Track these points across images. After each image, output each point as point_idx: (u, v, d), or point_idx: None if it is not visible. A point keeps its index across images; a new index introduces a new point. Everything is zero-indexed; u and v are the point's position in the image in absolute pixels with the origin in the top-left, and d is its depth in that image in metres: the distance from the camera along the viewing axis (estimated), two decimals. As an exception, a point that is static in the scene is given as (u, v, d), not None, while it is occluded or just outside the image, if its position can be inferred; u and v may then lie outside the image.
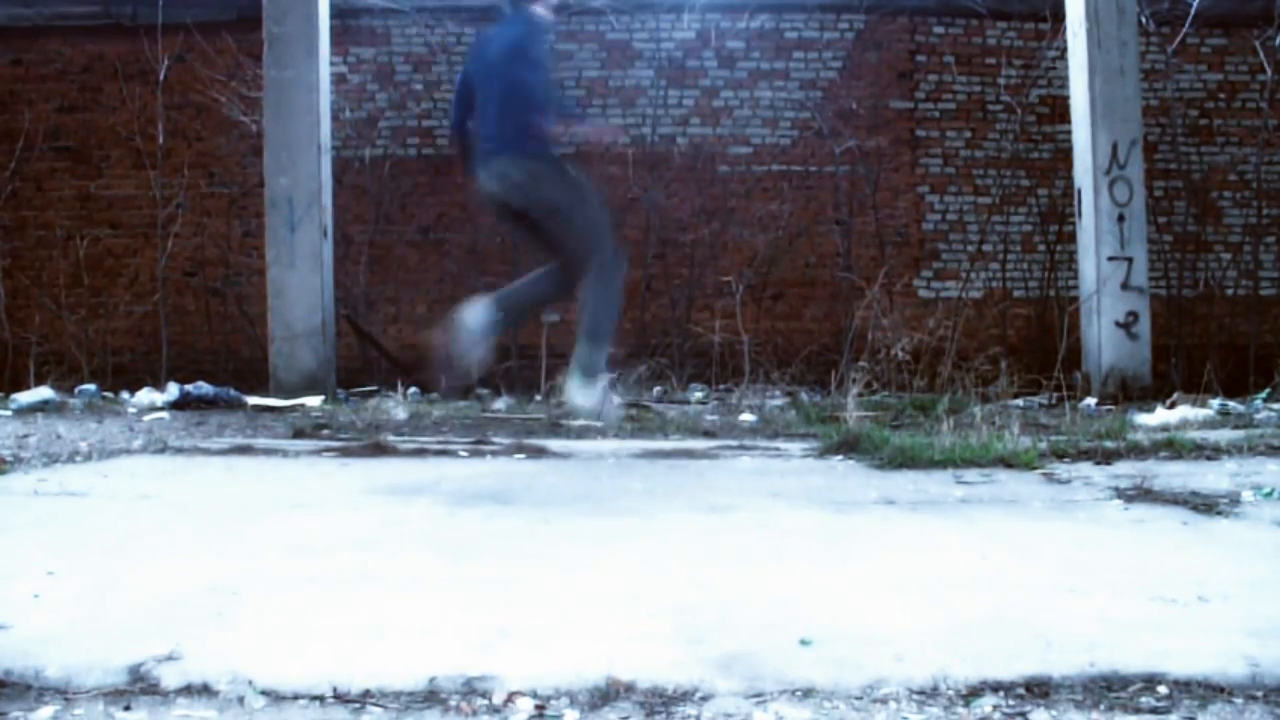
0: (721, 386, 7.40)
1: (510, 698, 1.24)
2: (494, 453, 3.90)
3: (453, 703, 1.23)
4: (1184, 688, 1.26)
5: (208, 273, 9.15)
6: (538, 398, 6.73)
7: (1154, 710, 1.21)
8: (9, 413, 5.81)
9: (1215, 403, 5.97)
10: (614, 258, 4.19)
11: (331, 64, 7.83)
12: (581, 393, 4.13)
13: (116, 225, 9.25)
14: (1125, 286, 7.17)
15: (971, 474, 3.23)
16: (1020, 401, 6.41)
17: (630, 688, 1.26)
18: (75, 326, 8.73)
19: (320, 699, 1.24)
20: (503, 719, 1.20)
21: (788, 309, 9.29)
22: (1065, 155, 8.11)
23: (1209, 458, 3.59)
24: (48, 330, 8.80)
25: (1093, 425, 4.46)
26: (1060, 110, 8.56)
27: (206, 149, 9.19)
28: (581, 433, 4.84)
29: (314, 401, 6.58)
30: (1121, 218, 7.19)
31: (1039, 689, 1.26)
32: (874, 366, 6.26)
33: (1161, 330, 8.01)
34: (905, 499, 2.77)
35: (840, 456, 3.76)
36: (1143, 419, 5.16)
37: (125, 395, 7.02)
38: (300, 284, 7.19)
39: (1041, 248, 9.26)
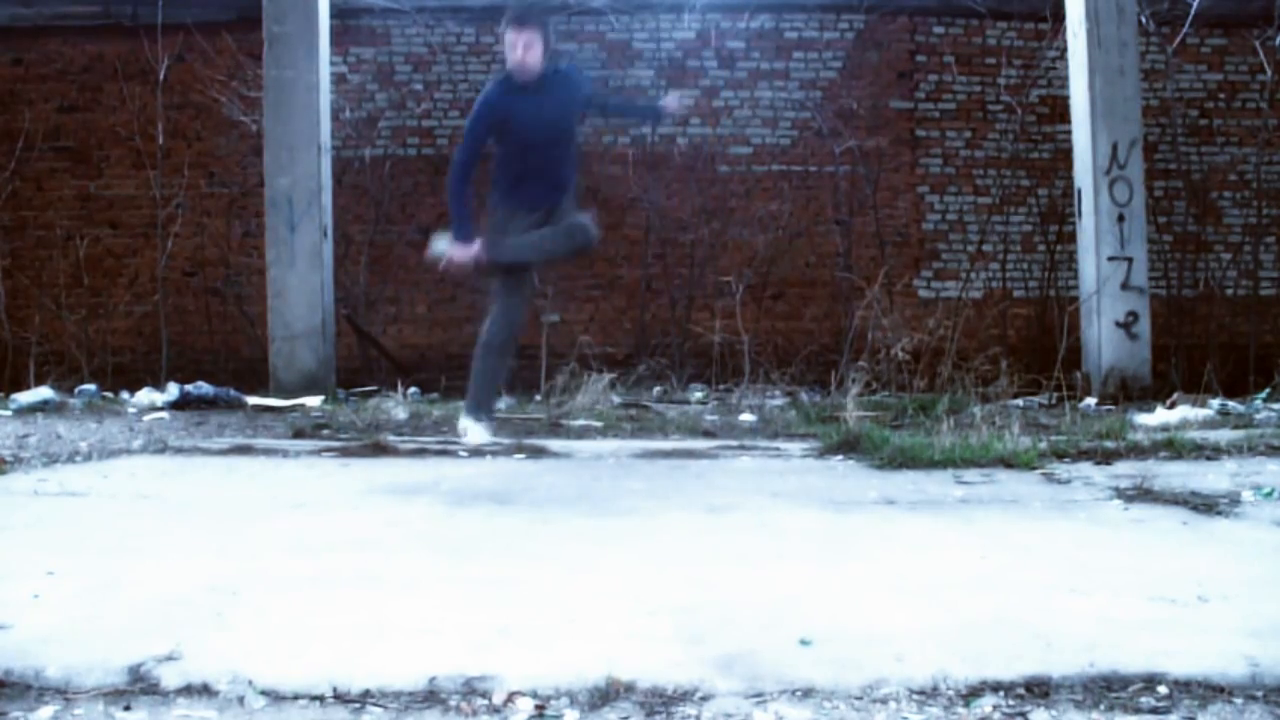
0: (721, 386, 7.39)
1: (510, 698, 1.24)
2: (494, 453, 3.90)
3: (453, 703, 1.23)
4: (1184, 688, 1.26)
5: (208, 273, 9.14)
6: (537, 398, 6.73)
7: (1154, 710, 1.20)
8: (9, 413, 5.81)
9: (1215, 403, 5.96)
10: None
11: (331, 64, 7.83)
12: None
13: (116, 225, 9.24)
14: (1125, 286, 7.17)
15: (971, 474, 3.22)
16: (1020, 401, 6.40)
17: (630, 688, 1.26)
18: (75, 326, 8.72)
19: (320, 699, 1.24)
20: (503, 719, 1.20)
21: (788, 309, 9.29)
22: (1065, 155, 8.10)
23: (1209, 458, 3.59)
24: (48, 330, 8.79)
25: (1093, 425, 4.46)
26: (1060, 110, 8.56)
27: (206, 149, 9.18)
28: (581, 433, 4.84)
29: (314, 401, 6.57)
30: (1121, 218, 7.19)
31: (1039, 689, 1.26)
32: (874, 366, 6.26)
33: (1161, 330, 8.00)
34: (905, 499, 2.76)
35: (840, 456, 3.76)
36: (1143, 419, 5.16)
37: (125, 395, 7.01)
38: (300, 284, 7.19)
39: (1041, 248, 9.25)
